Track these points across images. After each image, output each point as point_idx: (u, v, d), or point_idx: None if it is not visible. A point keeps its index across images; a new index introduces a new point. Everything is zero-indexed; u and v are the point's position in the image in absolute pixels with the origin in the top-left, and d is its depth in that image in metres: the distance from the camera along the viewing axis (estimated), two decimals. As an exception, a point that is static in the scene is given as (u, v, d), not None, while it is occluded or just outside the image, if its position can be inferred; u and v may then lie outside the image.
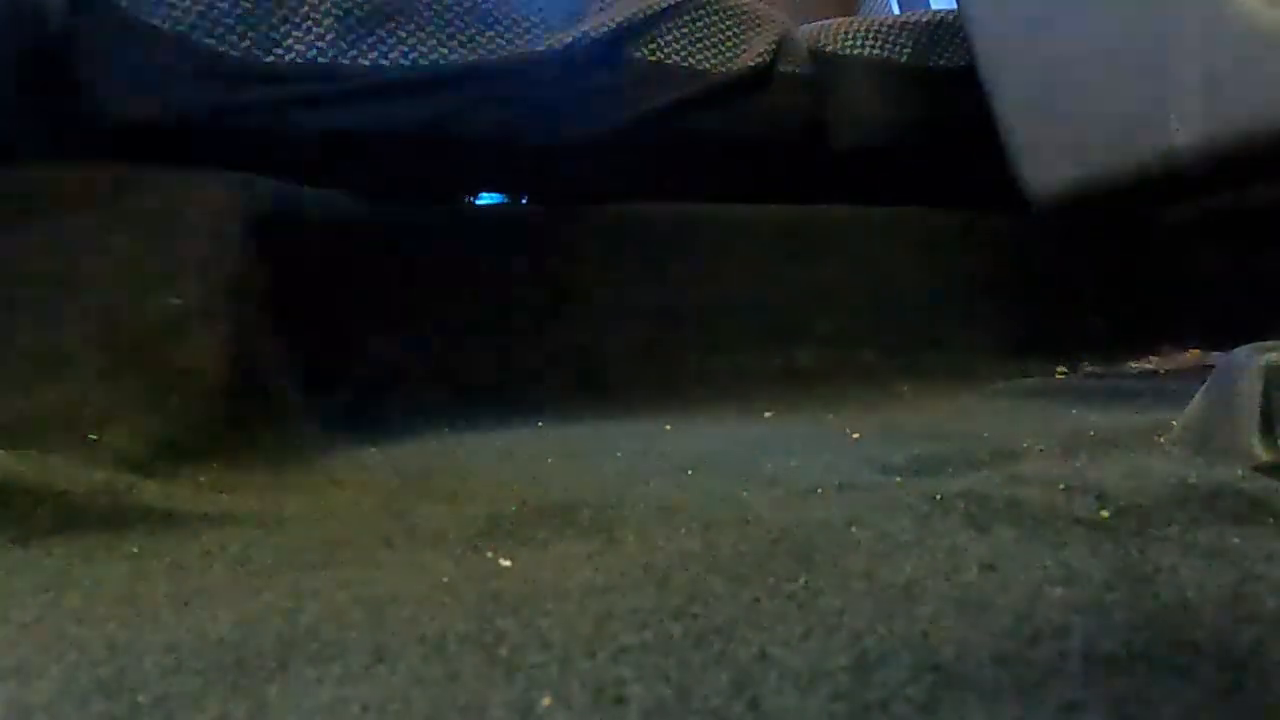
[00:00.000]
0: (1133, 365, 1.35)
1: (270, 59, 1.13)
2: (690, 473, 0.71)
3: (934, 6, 2.28)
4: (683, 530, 0.54)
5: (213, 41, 1.11)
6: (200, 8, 1.11)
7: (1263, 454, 0.59)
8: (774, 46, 1.35)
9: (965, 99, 1.20)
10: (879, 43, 1.43)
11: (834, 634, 0.37)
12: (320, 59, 1.14)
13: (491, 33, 1.21)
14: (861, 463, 0.71)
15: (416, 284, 1.15)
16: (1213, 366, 0.66)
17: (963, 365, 1.30)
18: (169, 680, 0.35)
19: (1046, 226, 1.42)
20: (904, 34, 1.44)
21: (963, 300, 1.37)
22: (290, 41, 1.13)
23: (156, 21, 1.10)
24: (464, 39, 1.20)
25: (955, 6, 1.27)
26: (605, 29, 1.24)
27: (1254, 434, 0.60)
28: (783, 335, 1.26)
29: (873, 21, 1.46)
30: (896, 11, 2.54)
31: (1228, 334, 0.73)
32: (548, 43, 1.22)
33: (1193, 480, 0.54)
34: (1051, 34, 0.98)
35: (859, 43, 1.43)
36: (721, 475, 0.70)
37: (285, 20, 1.14)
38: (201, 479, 0.76)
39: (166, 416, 0.84)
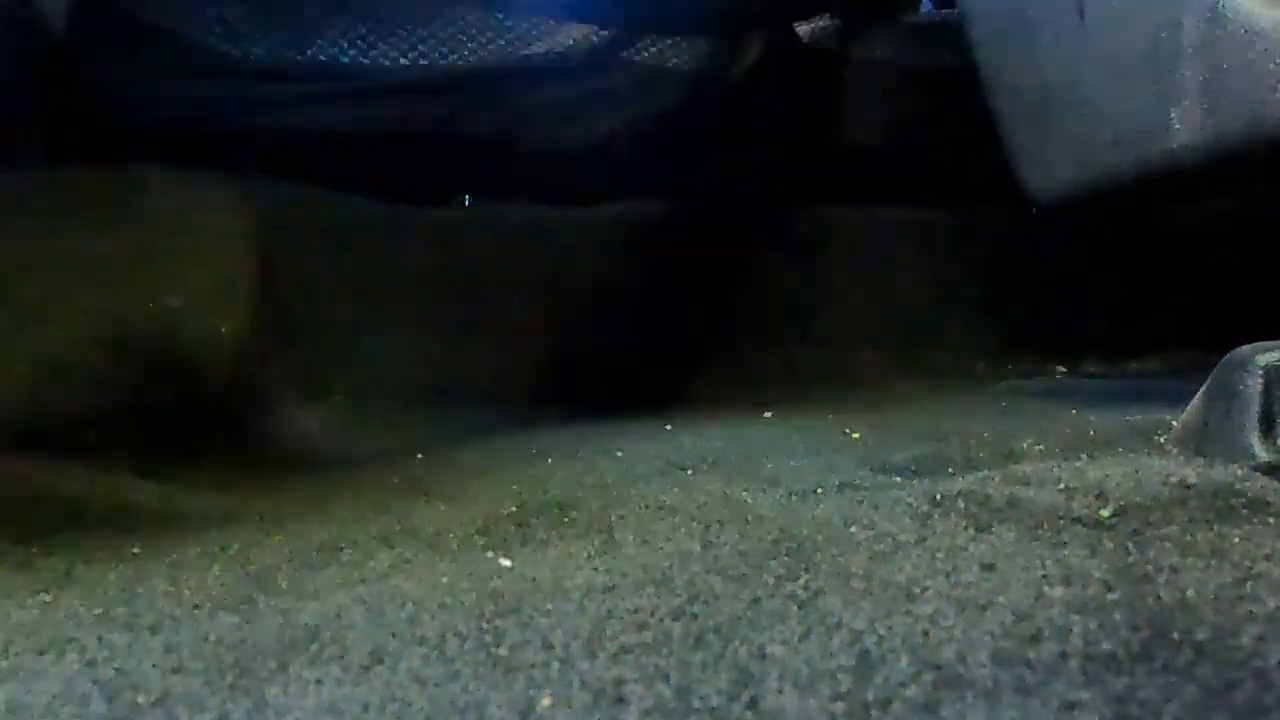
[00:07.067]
0: (1133, 365, 1.35)
1: (272, 59, 1.13)
2: (690, 473, 0.71)
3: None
4: (683, 530, 0.54)
5: (214, 41, 1.11)
6: (202, 8, 1.11)
7: (1263, 454, 0.59)
8: (774, 48, 1.35)
9: (965, 99, 1.20)
10: (879, 43, 1.43)
11: (834, 634, 0.37)
12: (322, 57, 1.14)
13: (492, 34, 1.21)
14: (861, 463, 0.71)
15: (416, 284, 1.15)
16: (1213, 366, 0.66)
17: (963, 365, 1.30)
18: (169, 680, 0.35)
19: (1046, 226, 1.42)
20: (904, 34, 1.44)
21: (963, 300, 1.37)
22: (292, 42, 1.14)
23: (158, 22, 1.10)
24: (465, 41, 1.20)
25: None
26: (605, 31, 1.24)
27: (1254, 434, 0.60)
28: (783, 335, 1.26)
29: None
30: (896, 12, 2.54)
31: (1228, 334, 0.73)
32: (548, 45, 1.22)
33: (1193, 480, 0.54)
34: (1051, 34, 0.98)
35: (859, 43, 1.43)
36: (721, 475, 0.70)
37: (287, 21, 1.14)
38: (202, 479, 0.76)
39: (166, 416, 0.84)
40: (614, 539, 0.53)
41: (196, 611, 0.43)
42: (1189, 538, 0.46)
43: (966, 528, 0.50)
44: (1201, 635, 0.34)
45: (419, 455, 0.88)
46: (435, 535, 0.56)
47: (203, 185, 1.08)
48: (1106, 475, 0.57)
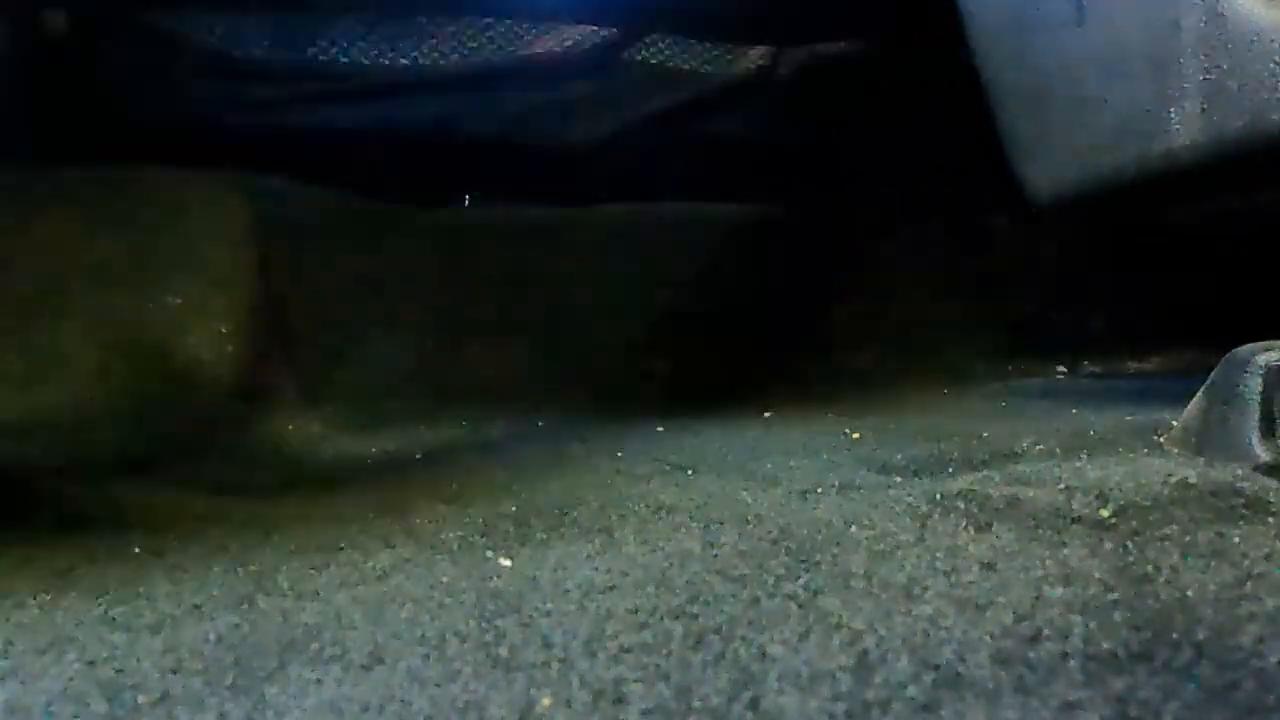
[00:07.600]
0: (1133, 365, 1.35)
1: (271, 59, 1.13)
2: (690, 473, 0.71)
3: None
4: (683, 530, 0.54)
5: (214, 41, 1.11)
6: (201, 8, 1.12)
7: (1263, 454, 0.59)
8: (775, 49, 1.35)
9: (966, 98, 1.20)
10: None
11: (834, 634, 0.37)
12: (321, 57, 1.14)
13: (493, 34, 1.21)
14: (861, 463, 0.71)
15: (416, 284, 1.15)
16: (1213, 366, 0.66)
17: (963, 365, 1.30)
18: (169, 680, 0.35)
19: (1046, 226, 1.42)
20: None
21: (963, 300, 1.37)
22: (291, 42, 1.14)
23: (158, 22, 1.11)
24: (465, 41, 1.20)
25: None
26: (606, 32, 1.24)
27: (1254, 434, 0.60)
28: (783, 335, 1.26)
29: (872, 21, 1.45)
30: (896, 11, 2.54)
31: (1228, 334, 0.73)
32: (549, 46, 1.22)
33: (1193, 480, 0.54)
34: (1051, 34, 0.98)
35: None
36: (721, 475, 0.70)
37: (287, 21, 1.14)
38: (201, 479, 0.76)
39: (166, 416, 0.84)
40: (614, 539, 0.53)
41: (197, 611, 0.43)
42: (1189, 538, 0.46)
43: (966, 528, 0.50)
44: (1201, 635, 0.34)
45: (419, 455, 0.88)
46: (435, 535, 0.56)
47: (201, 185, 1.08)
48: (1106, 475, 0.57)
